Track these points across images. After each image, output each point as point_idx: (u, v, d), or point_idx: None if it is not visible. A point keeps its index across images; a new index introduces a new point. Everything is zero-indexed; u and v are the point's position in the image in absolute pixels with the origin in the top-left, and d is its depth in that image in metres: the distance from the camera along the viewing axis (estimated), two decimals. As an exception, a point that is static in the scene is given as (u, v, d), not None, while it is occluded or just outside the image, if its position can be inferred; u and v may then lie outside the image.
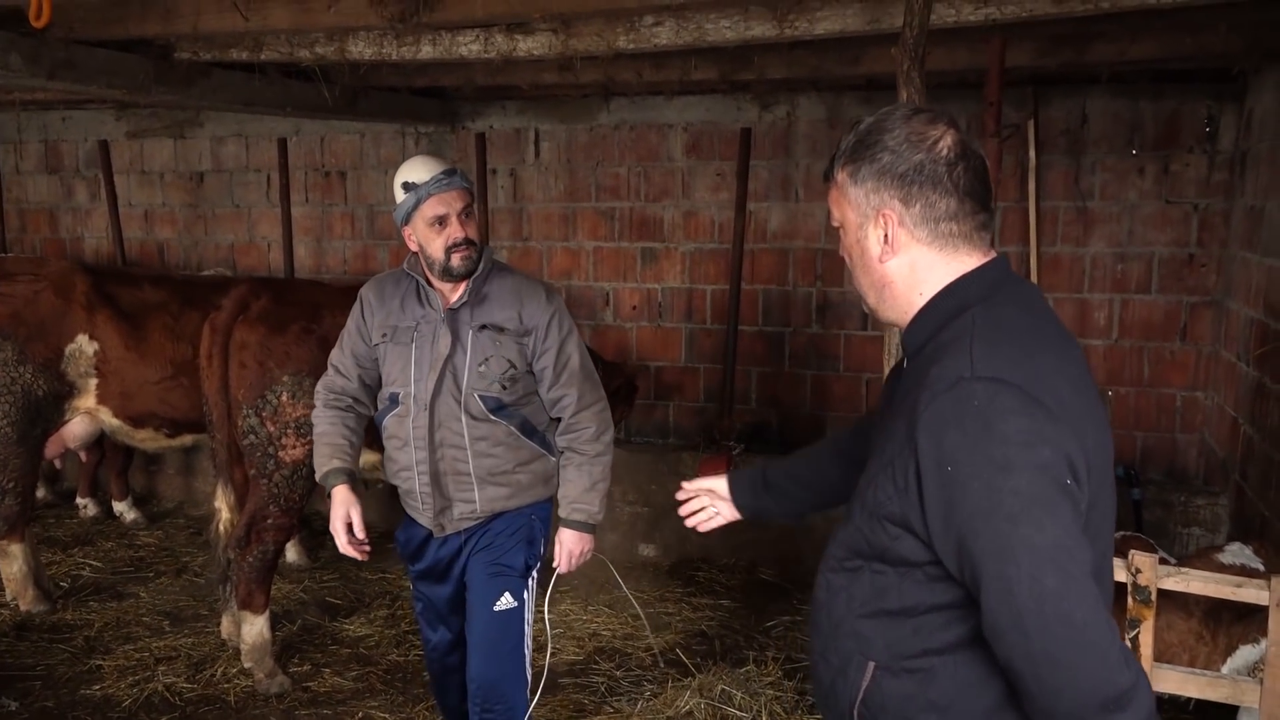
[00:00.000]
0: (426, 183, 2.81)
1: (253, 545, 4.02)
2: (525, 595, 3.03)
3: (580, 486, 3.01)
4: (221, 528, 4.20)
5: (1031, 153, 4.85)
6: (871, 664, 1.55)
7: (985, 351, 1.41)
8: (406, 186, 2.84)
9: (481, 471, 2.94)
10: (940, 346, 1.49)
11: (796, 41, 3.77)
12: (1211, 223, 4.78)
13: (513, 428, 2.95)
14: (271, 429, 3.97)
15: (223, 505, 4.21)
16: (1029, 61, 4.17)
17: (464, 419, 2.90)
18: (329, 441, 3.00)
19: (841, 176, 1.58)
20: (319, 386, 3.12)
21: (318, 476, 3.01)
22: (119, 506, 6.09)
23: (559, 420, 3.04)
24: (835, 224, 1.63)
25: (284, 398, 3.96)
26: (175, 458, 6.46)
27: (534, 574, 3.07)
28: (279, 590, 5.02)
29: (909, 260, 1.55)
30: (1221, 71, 4.50)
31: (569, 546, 3.02)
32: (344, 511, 2.90)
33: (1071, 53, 4.10)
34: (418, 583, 3.20)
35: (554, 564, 3.04)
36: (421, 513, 3.03)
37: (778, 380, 5.66)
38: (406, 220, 2.87)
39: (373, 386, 3.08)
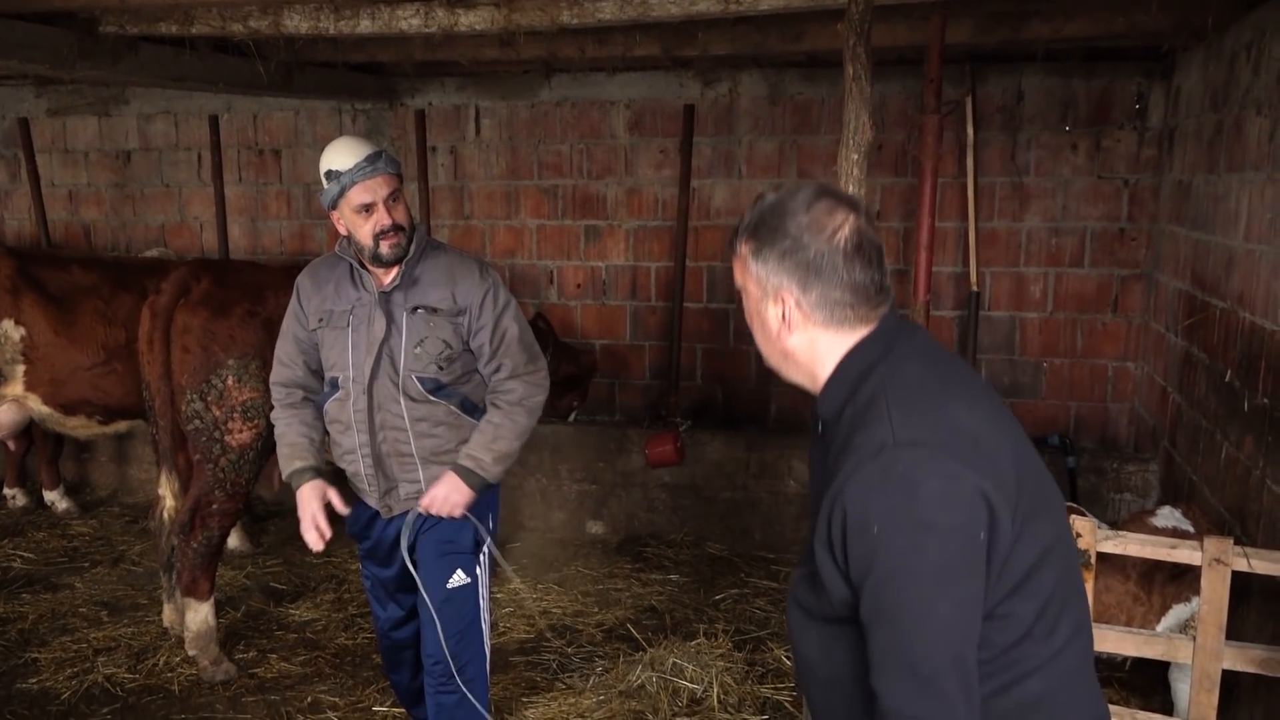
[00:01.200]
0: (350, 170, 2.75)
1: (197, 531, 3.95)
2: (478, 571, 3.04)
3: (483, 436, 2.94)
4: (166, 515, 4.11)
5: (970, 129, 4.93)
6: None
7: (902, 416, 1.48)
8: (330, 175, 2.79)
9: (424, 452, 2.94)
10: (858, 411, 1.55)
11: (740, 17, 3.77)
12: (1141, 197, 4.92)
13: (453, 407, 2.95)
14: (217, 413, 3.90)
15: (167, 492, 4.12)
16: (967, 39, 4.22)
17: (403, 401, 2.90)
18: (289, 442, 3.02)
19: (744, 250, 1.63)
20: (271, 383, 3.10)
21: (284, 477, 3.00)
22: (50, 496, 5.92)
23: None
24: (738, 287, 1.69)
25: (229, 381, 3.90)
26: (108, 445, 6.29)
27: (485, 550, 3.06)
28: (222, 577, 4.91)
29: (808, 338, 1.62)
30: (1151, 50, 4.62)
31: (437, 490, 2.90)
32: (311, 510, 2.91)
33: (1008, 30, 4.17)
34: (366, 560, 3.19)
35: (420, 503, 2.93)
36: (368, 494, 3.03)
37: (723, 357, 5.70)
38: (333, 206, 2.84)
39: (319, 372, 3.06)
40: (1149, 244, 4.93)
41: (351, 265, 2.93)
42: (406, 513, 3.01)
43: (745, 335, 5.73)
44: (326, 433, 3.10)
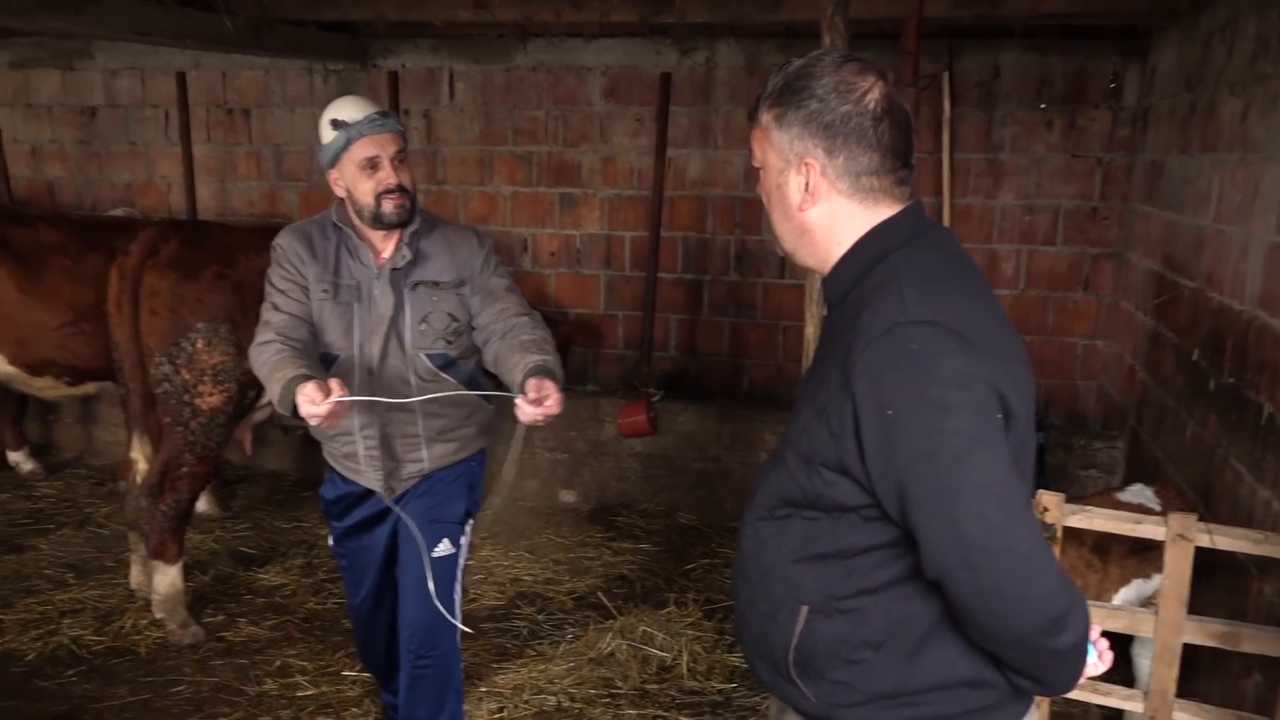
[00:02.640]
0: (359, 122, 2.62)
1: (166, 494, 3.93)
2: (462, 541, 3.01)
3: (531, 349, 2.64)
4: (139, 478, 4.08)
5: (946, 104, 4.93)
6: (804, 608, 1.56)
7: (916, 295, 1.43)
8: (336, 124, 2.64)
9: (431, 432, 2.87)
10: (867, 292, 1.50)
11: (721, -14, 3.74)
12: (1114, 177, 4.95)
13: (461, 385, 2.85)
14: (187, 376, 3.86)
15: (139, 455, 4.10)
16: (945, 13, 4.22)
17: (412, 380, 2.80)
18: (284, 360, 2.56)
19: (766, 118, 1.56)
20: (275, 333, 2.67)
21: (278, 394, 2.48)
22: (14, 457, 5.83)
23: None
24: (756, 164, 1.63)
25: (199, 345, 3.86)
26: (74, 406, 6.21)
27: (470, 523, 3.04)
28: (191, 540, 4.89)
29: (829, 210, 1.56)
30: (1127, 29, 4.64)
31: (547, 401, 2.46)
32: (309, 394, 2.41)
33: (986, 6, 4.17)
34: (345, 539, 3.07)
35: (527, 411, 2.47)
36: (365, 474, 2.89)
37: (696, 328, 5.70)
38: (334, 162, 2.67)
39: (316, 340, 2.80)
40: (1121, 223, 4.97)
41: (349, 236, 2.75)
42: (407, 492, 2.93)
43: (719, 307, 5.76)
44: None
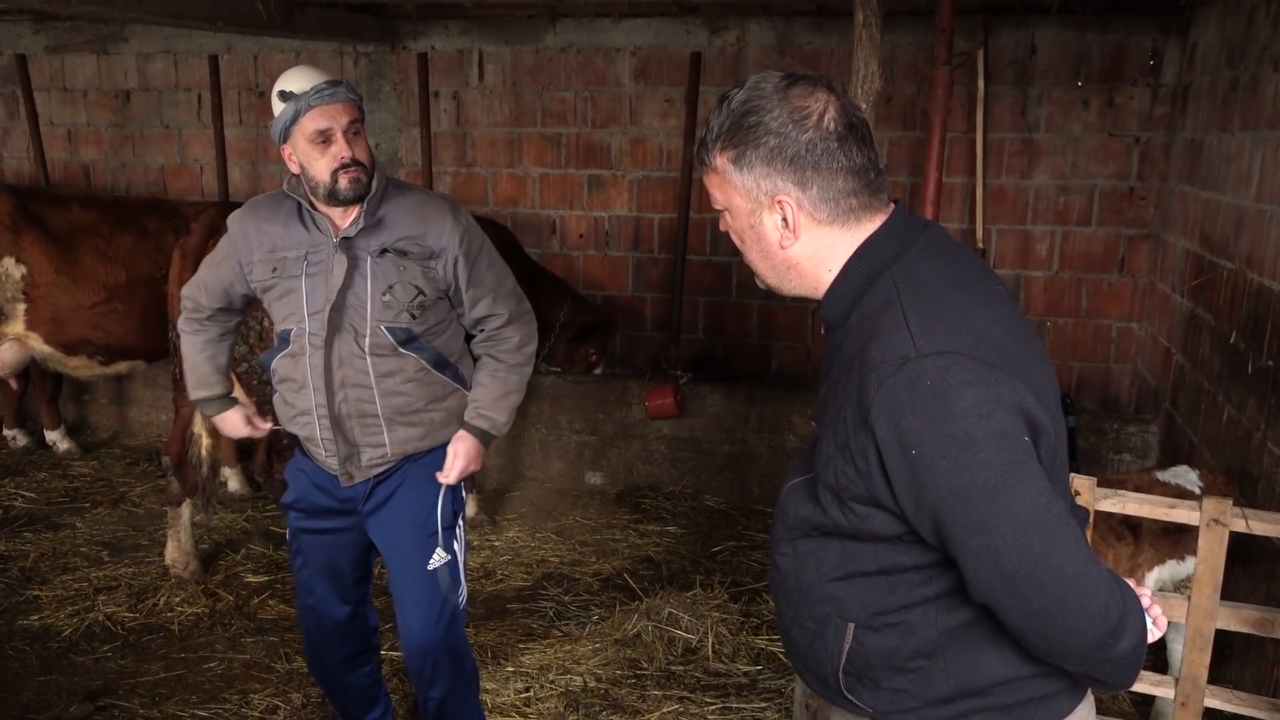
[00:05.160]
0: (307, 93, 2.45)
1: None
2: (456, 546, 2.80)
3: (492, 394, 2.77)
4: (204, 453, 4.17)
5: (980, 82, 4.86)
6: (850, 625, 1.52)
7: (922, 324, 1.36)
8: (284, 96, 2.47)
9: (389, 411, 2.66)
10: (867, 318, 1.44)
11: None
12: (1152, 156, 4.86)
13: (424, 362, 2.68)
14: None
15: (201, 430, 4.18)
16: (981, -11, 4.15)
17: (368, 355, 2.61)
18: (195, 367, 2.93)
19: (720, 161, 1.47)
20: (183, 294, 2.88)
21: (191, 400, 2.99)
22: (51, 436, 5.93)
23: (471, 338, 2.84)
24: (718, 207, 1.54)
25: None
26: (108, 387, 6.30)
27: (460, 520, 2.84)
28: (223, 520, 4.97)
29: (812, 241, 1.49)
30: (1168, 4, 4.54)
31: (462, 456, 2.75)
32: (238, 422, 2.98)
33: (1023, -19, 4.09)
34: (307, 533, 2.83)
35: (438, 474, 2.76)
36: (325, 460, 2.73)
37: (724, 310, 5.67)
38: (285, 136, 2.51)
39: (236, 310, 2.89)
40: (1158, 203, 4.88)
41: (301, 205, 2.60)
42: (368, 481, 2.72)
43: (748, 289, 5.72)
44: (269, 384, 2.89)
